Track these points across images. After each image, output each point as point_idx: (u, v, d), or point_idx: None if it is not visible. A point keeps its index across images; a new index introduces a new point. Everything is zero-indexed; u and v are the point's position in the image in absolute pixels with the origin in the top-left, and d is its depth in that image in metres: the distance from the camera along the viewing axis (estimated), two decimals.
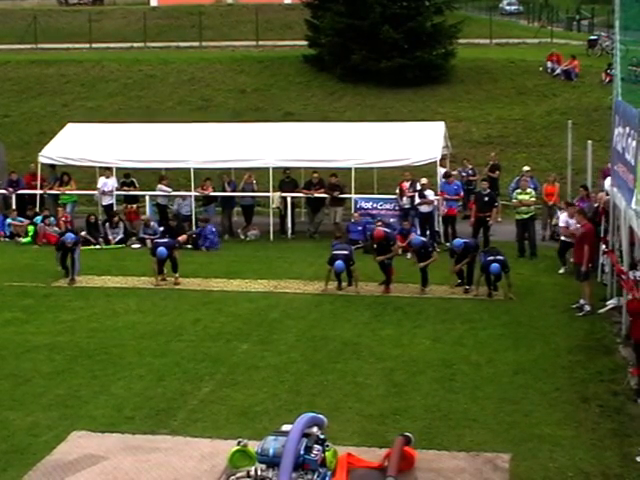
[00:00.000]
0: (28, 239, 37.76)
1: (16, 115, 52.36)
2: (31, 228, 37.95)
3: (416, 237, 22.29)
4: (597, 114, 36.77)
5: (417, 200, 35.25)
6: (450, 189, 35.61)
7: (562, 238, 30.72)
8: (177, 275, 30.10)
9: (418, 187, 35.51)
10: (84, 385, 19.14)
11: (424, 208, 35.24)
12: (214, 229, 37.10)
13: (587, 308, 24.54)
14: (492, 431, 17.85)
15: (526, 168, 35.65)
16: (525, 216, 33.02)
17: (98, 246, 36.84)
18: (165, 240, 30.69)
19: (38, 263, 33.81)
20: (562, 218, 30.88)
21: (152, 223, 37.17)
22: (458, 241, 23.42)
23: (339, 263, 27.27)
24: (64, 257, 30.46)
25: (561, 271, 30.32)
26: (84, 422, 18.59)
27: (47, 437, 18.25)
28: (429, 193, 35.21)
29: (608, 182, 26.63)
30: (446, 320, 25.30)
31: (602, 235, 26.44)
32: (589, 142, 31.15)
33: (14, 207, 39.84)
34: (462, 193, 35.95)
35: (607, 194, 28.45)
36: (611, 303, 23.34)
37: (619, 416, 18.76)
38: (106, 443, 17.45)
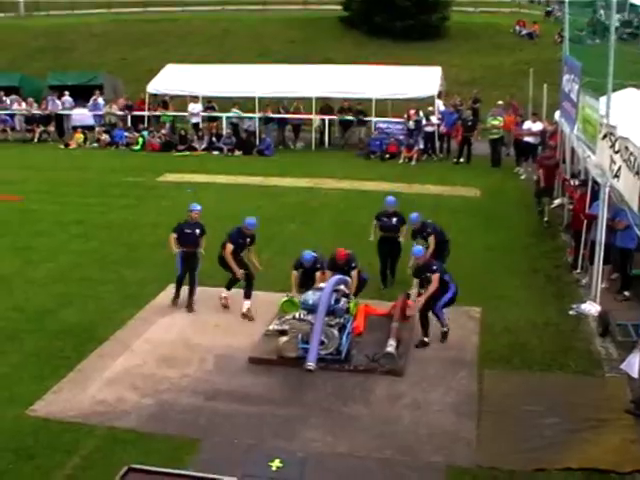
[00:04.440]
0: (138, 147, 37.99)
1: (130, 58, 52.18)
2: (140, 139, 38.21)
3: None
4: (551, 65, 36.28)
5: (424, 122, 35.47)
6: (450, 117, 35.76)
7: (525, 139, 30.82)
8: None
9: (421, 114, 35.69)
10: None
11: (428, 128, 35.57)
12: (269, 140, 37.47)
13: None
14: (468, 291, 17.87)
15: (499, 102, 35.42)
16: (496, 136, 33.09)
17: (187, 152, 37.03)
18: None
19: (145, 164, 34.00)
20: (526, 124, 31.00)
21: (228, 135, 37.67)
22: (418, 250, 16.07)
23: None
24: (181, 279, 17.70)
25: (522, 177, 30.28)
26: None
27: (151, 288, 18.54)
28: (433, 118, 35.55)
29: (557, 114, 26.49)
30: (437, 211, 25.33)
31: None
32: (545, 85, 30.89)
33: (129, 124, 40.20)
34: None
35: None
36: (557, 202, 23.27)
37: (559, 283, 18.94)
38: (195, 293, 17.68)
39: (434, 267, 15.48)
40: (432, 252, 17.40)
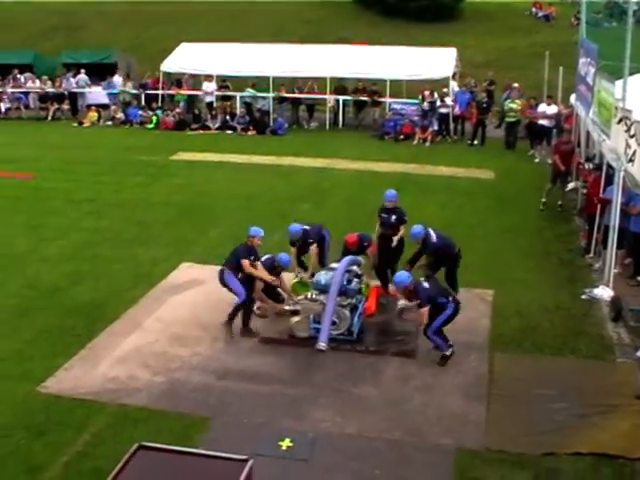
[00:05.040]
0: (152, 125, 38.02)
1: (143, 37, 52.07)
2: (154, 118, 38.23)
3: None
4: (567, 48, 36.11)
5: (438, 103, 35.40)
6: (463, 97, 35.61)
7: (539, 122, 30.73)
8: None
9: (436, 95, 35.61)
10: (189, 230, 19.35)
11: (443, 110, 35.46)
12: (282, 120, 37.56)
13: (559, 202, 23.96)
14: (481, 274, 17.98)
15: (515, 85, 35.28)
16: (513, 119, 32.95)
17: (201, 131, 37.06)
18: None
19: (159, 143, 34.06)
20: (541, 107, 30.90)
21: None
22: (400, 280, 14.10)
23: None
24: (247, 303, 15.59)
25: (536, 160, 30.21)
26: (189, 256, 18.87)
27: (163, 266, 18.59)
28: (447, 100, 35.42)
29: (573, 98, 26.38)
30: (451, 192, 25.35)
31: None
32: (560, 68, 30.75)
33: (143, 102, 40.23)
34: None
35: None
36: (572, 185, 23.20)
37: (571, 266, 18.87)
38: (206, 272, 17.71)
39: (419, 296, 13.56)
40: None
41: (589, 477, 10.82)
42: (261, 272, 15.26)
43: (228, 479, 8.46)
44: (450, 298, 13.84)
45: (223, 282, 15.25)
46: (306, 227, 16.79)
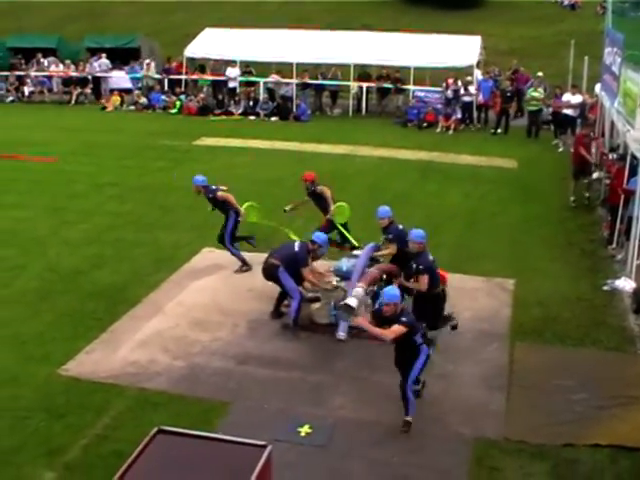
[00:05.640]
0: (175, 110, 38.10)
1: (166, 22, 52.17)
2: (178, 102, 38.28)
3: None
4: (593, 37, 35.94)
5: (462, 91, 35.29)
6: (486, 86, 35.44)
7: (563, 111, 30.59)
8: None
9: (460, 83, 35.48)
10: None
11: (466, 98, 35.34)
12: (305, 106, 37.54)
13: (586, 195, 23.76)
14: (502, 263, 17.98)
15: (539, 73, 35.10)
16: (535, 108, 32.79)
17: (224, 117, 37.10)
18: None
19: (182, 128, 34.13)
20: (565, 97, 30.75)
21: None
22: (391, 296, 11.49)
23: None
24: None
25: (560, 150, 30.09)
26: (211, 241, 18.89)
27: (186, 251, 18.69)
28: (471, 88, 35.29)
29: (598, 87, 26.28)
30: (474, 181, 25.31)
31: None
32: (586, 57, 30.61)
33: (166, 87, 40.18)
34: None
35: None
36: (595, 176, 23.08)
37: (593, 257, 18.81)
38: (227, 257, 17.76)
39: (403, 319, 11.27)
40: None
41: (608, 469, 10.80)
42: (319, 280, 14.96)
43: (247, 464, 8.49)
44: (425, 339, 11.67)
45: (274, 278, 14.83)
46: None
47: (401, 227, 14.93)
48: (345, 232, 17.85)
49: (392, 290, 11.68)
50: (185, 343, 14.27)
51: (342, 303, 12.94)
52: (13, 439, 11.27)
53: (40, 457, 10.84)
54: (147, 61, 41.05)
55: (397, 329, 11.12)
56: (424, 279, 13.00)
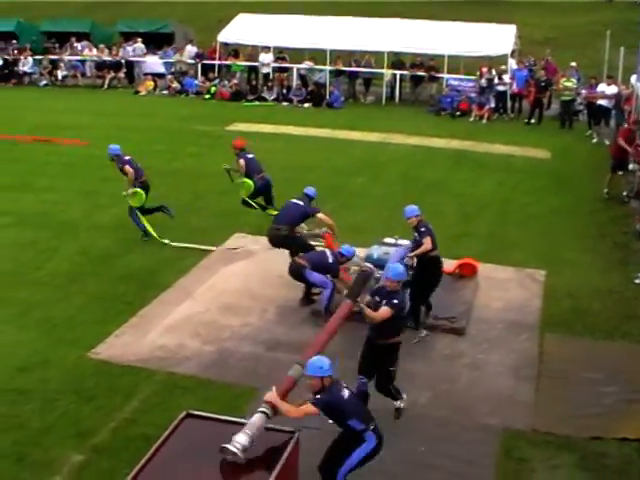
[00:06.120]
0: (209, 95, 38.15)
1: (199, 8, 52.29)
2: (212, 88, 38.34)
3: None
4: (629, 27, 35.77)
5: (496, 80, 35.08)
6: (520, 75, 35.21)
7: (598, 102, 30.38)
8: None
9: (494, 72, 35.29)
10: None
11: (500, 87, 35.11)
12: (338, 93, 37.47)
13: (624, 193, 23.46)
14: (533, 253, 17.92)
15: (573, 63, 34.86)
16: (568, 98, 32.60)
17: (258, 103, 37.13)
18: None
19: (215, 113, 34.19)
20: (600, 87, 30.54)
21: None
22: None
23: None
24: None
25: (594, 141, 29.90)
26: (242, 227, 18.94)
27: (217, 236, 18.71)
28: (505, 77, 35.03)
29: (634, 78, 26.09)
30: (506, 171, 25.22)
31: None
32: (622, 48, 30.41)
33: (199, 72, 40.16)
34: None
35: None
36: (630, 167, 22.88)
37: (625, 249, 18.70)
38: (258, 243, 17.84)
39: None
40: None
41: (636, 462, 10.74)
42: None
43: (274, 450, 8.54)
44: (372, 426, 9.31)
45: (301, 277, 14.89)
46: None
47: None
48: (251, 202, 19.77)
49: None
50: (215, 328, 14.32)
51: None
52: (42, 421, 11.37)
53: (69, 439, 10.92)
54: (188, 47, 41.02)
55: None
56: (384, 312, 11.20)
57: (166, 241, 18.24)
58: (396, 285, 11.33)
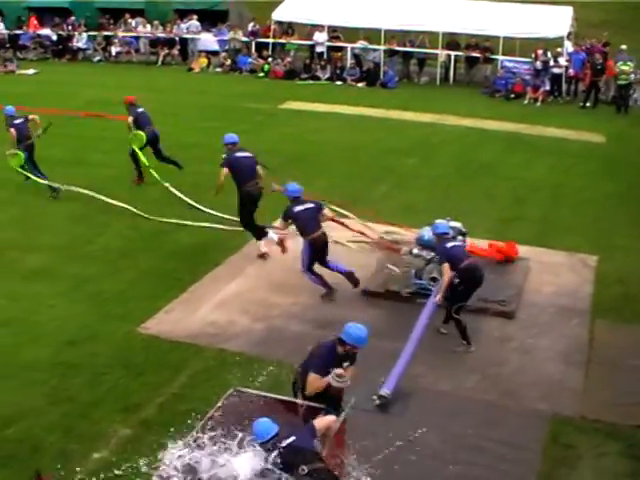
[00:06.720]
0: (262, 74, 38.15)
1: None
2: (266, 66, 38.33)
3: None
4: None
5: (551, 63, 34.75)
6: (577, 58, 34.80)
7: None
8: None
9: (549, 55, 34.92)
10: (294, 180, 19.44)
11: (556, 70, 34.76)
12: (392, 73, 37.29)
13: None
14: (585, 238, 17.77)
15: (623, 46, 34.37)
16: (624, 82, 32.24)
17: (311, 81, 37.11)
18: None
19: (268, 91, 34.22)
20: None
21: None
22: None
23: None
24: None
25: None
26: None
27: (268, 215, 18.20)
28: (561, 60, 34.65)
29: None
30: (560, 154, 25.01)
31: None
32: None
33: (253, 50, 40.16)
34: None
35: None
36: None
37: None
38: None
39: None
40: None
41: None
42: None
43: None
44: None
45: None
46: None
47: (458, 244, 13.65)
48: (140, 155, 20.88)
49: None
50: (264, 306, 14.38)
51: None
52: (91, 394, 11.51)
53: (116, 413, 11.03)
54: (251, 24, 40.98)
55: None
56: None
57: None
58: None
